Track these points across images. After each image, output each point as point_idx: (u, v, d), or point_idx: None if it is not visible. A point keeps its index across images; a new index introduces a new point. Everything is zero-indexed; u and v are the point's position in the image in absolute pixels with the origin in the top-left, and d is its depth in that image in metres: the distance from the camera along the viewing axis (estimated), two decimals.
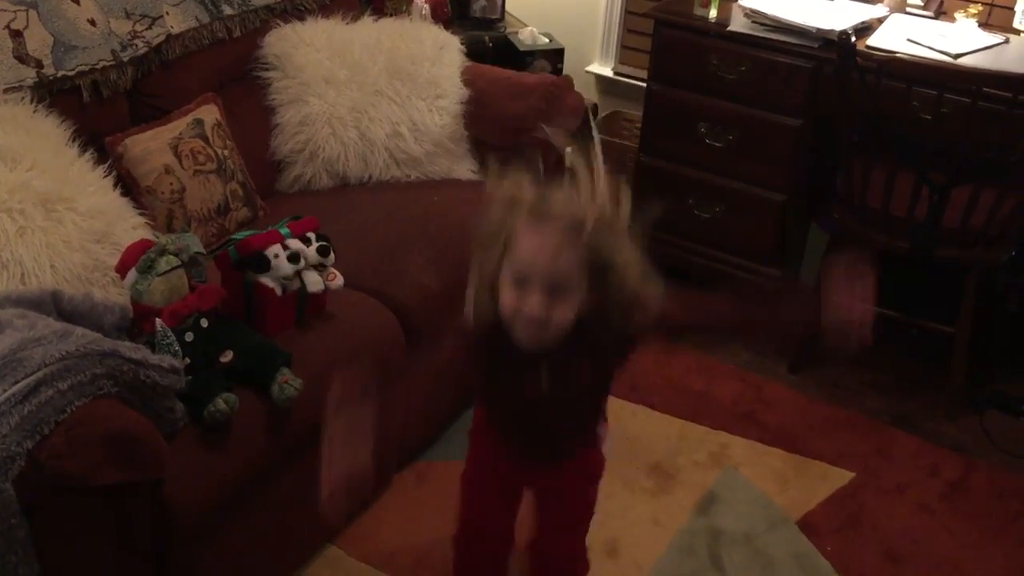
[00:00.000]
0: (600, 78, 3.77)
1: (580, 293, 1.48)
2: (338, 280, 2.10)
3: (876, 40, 2.77)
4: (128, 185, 2.28)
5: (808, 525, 2.41)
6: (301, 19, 2.81)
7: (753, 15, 2.93)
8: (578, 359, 1.58)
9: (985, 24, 2.92)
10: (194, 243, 1.93)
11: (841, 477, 2.56)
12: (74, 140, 2.17)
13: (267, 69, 2.73)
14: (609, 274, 1.46)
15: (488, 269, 1.52)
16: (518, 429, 1.77)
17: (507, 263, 1.48)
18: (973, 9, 2.90)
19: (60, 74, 2.26)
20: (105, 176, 2.18)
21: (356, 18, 2.88)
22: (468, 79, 2.83)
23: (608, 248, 1.45)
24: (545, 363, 1.58)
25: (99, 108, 2.36)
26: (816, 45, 2.79)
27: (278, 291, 1.99)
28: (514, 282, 1.47)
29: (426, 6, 3.23)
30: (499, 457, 1.85)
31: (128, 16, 2.39)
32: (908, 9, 3.02)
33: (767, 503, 2.46)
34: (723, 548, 2.33)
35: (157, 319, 1.80)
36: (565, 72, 3.35)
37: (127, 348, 1.65)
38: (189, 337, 1.84)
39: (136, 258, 1.85)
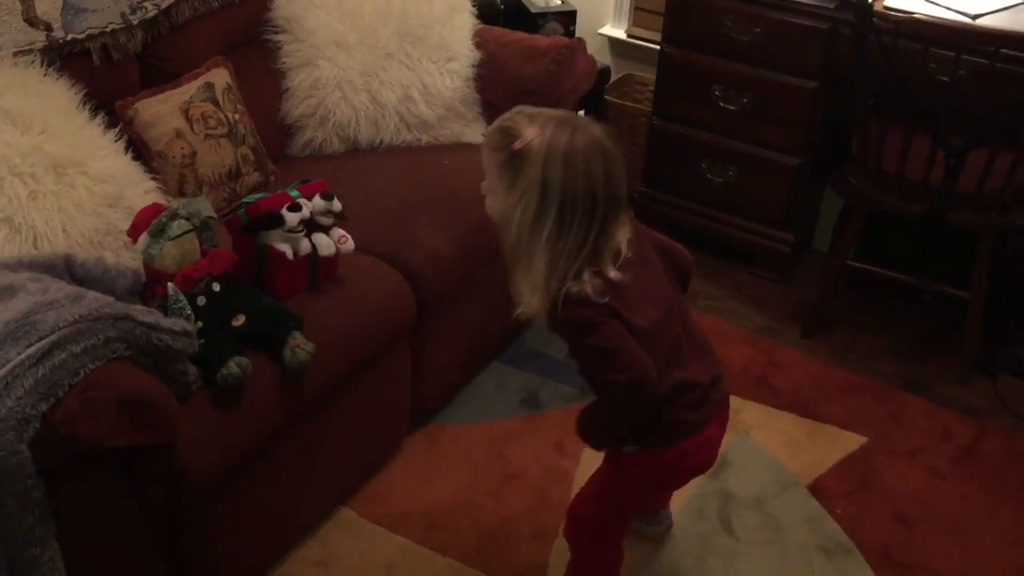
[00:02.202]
0: (613, 40, 3.73)
1: (496, 198, 1.63)
2: (349, 243, 2.10)
3: (893, 0, 2.73)
4: (139, 149, 2.27)
5: (819, 489, 2.41)
6: None
7: None
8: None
9: None
10: (205, 207, 1.93)
11: (853, 441, 2.57)
12: (85, 104, 2.16)
13: (277, 32, 2.72)
14: (510, 203, 1.58)
15: None
16: None
17: None
18: None
19: (70, 37, 2.25)
20: (116, 140, 2.17)
21: None
22: (479, 42, 2.80)
23: (517, 173, 1.56)
24: None
25: (109, 72, 2.35)
26: (832, 6, 2.75)
27: (289, 255, 2.00)
28: None
29: None
30: None
31: None
32: None
33: (778, 467, 2.47)
34: (734, 511, 2.34)
35: (169, 283, 1.81)
36: (577, 34, 3.32)
37: (140, 312, 1.66)
38: (201, 301, 1.84)
39: (148, 222, 1.86)
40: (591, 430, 1.79)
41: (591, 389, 1.71)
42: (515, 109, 1.63)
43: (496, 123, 1.63)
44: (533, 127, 1.56)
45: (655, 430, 1.72)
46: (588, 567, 2.01)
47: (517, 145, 1.55)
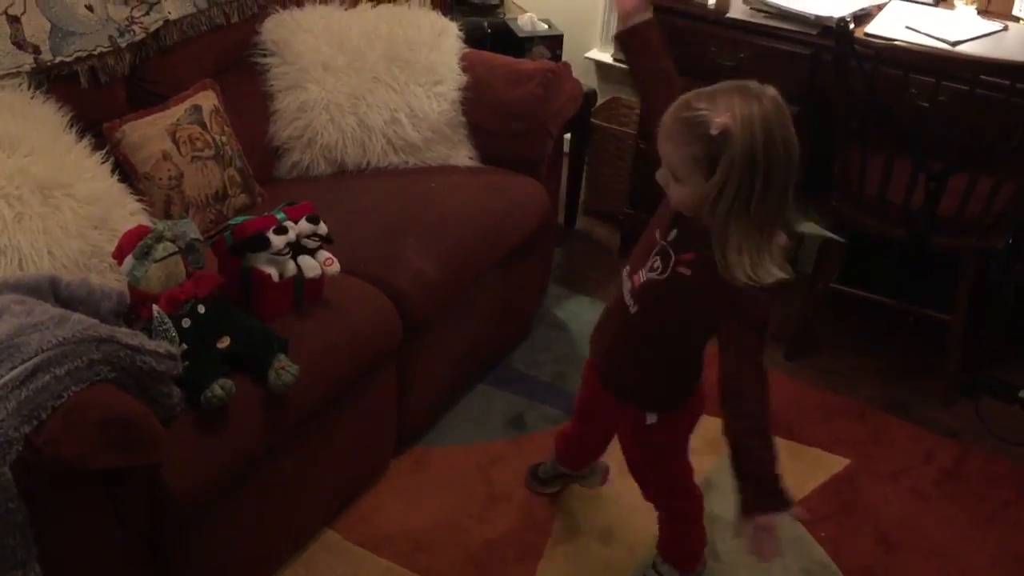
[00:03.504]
0: (599, 64, 3.77)
1: (692, 187, 1.59)
2: (335, 266, 2.11)
3: (875, 27, 2.77)
4: (126, 171, 2.28)
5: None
6: (299, 5, 2.81)
7: (752, 2, 2.92)
8: (675, 275, 1.72)
9: (984, 11, 2.91)
10: (191, 229, 1.94)
11: (836, 463, 2.58)
12: (72, 126, 2.17)
13: (265, 55, 2.73)
14: (713, 192, 1.55)
15: None
16: (603, 340, 1.97)
17: None
18: None
19: (58, 60, 2.26)
20: (103, 162, 2.18)
21: (354, 4, 2.89)
22: (466, 65, 2.82)
23: (715, 159, 1.53)
24: (659, 255, 1.75)
25: (97, 94, 2.36)
26: (815, 32, 2.79)
27: (275, 277, 2.00)
28: None
29: None
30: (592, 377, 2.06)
31: (126, 2, 2.39)
32: None
33: None
34: (717, 534, 2.34)
35: (154, 305, 1.81)
36: (564, 58, 3.34)
37: (124, 334, 1.66)
38: (186, 323, 1.84)
39: (133, 244, 1.86)
40: (766, 443, 1.70)
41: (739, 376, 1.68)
42: (685, 97, 1.60)
43: (676, 116, 1.59)
44: (720, 109, 1.54)
45: (678, 397, 1.90)
46: (677, 517, 2.15)
47: (714, 131, 1.52)
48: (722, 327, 1.68)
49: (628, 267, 1.84)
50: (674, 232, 1.73)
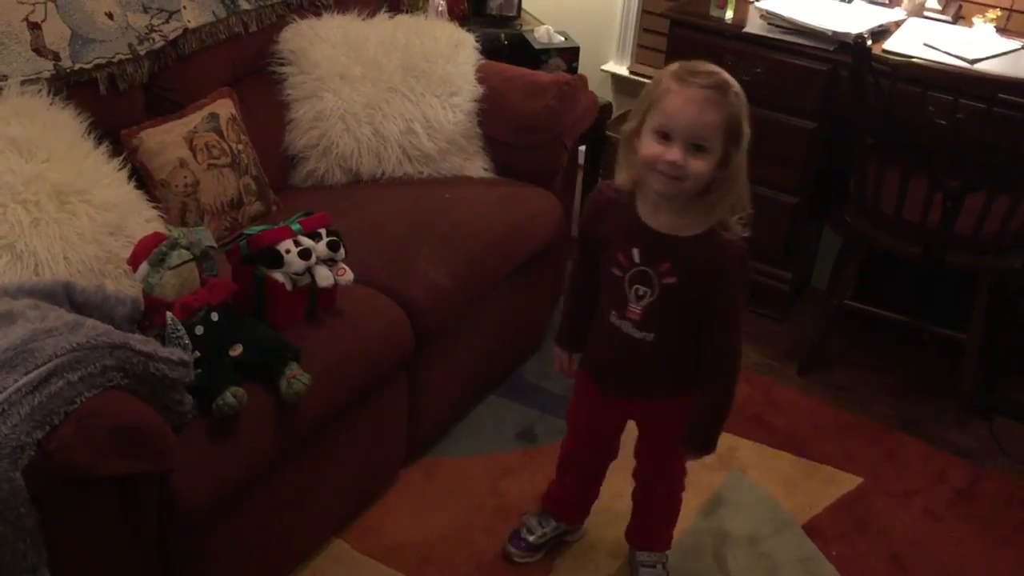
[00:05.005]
0: (616, 77, 3.77)
1: (714, 156, 1.64)
2: (348, 275, 2.11)
3: (893, 44, 2.76)
4: (142, 178, 2.29)
5: (814, 529, 2.41)
6: (317, 15, 2.82)
7: (769, 17, 2.92)
8: (664, 288, 1.76)
9: (1003, 29, 2.90)
10: (206, 237, 1.95)
11: (849, 482, 2.56)
12: (90, 133, 2.18)
13: (283, 64, 2.74)
14: (737, 150, 1.65)
15: (628, 130, 1.71)
16: (611, 363, 1.94)
17: (650, 119, 1.65)
18: (991, 14, 2.89)
19: (77, 67, 2.27)
20: (120, 169, 2.19)
21: (372, 14, 2.89)
22: (482, 77, 2.83)
23: (741, 118, 1.63)
24: (639, 282, 1.78)
25: (115, 101, 2.37)
26: (832, 48, 2.78)
27: (288, 286, 2.01)
28: (657, 135, 1.65)
29: (442, 3, 3.23)
30: (595, 398, 2.05)
31: (145, 10, 2.41)
32: (926, 13, 3.00)
33: (774, 506, 2.46)
34: (728, 550, 2.33)
35: (168, 312, 1.82)
36: (580, 71, 3.34)
37: (137, 340, 1.66)
38: (199, 330, 1.85)
39: (148, 251, 1.87)
40: (724, 414, 1.88)
41: (722, 349, 1.82)
42: (687, 69, 1.64)
43: (703, 85, 1.61)
44: (718, 69, 1.62)
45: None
46: (680, 489, 2.17)
47: (736, 87, 1.61)
48: (717, 303, 1.77)
49: (612, 311, 1.85)
50: (635, 252, 1.77)
